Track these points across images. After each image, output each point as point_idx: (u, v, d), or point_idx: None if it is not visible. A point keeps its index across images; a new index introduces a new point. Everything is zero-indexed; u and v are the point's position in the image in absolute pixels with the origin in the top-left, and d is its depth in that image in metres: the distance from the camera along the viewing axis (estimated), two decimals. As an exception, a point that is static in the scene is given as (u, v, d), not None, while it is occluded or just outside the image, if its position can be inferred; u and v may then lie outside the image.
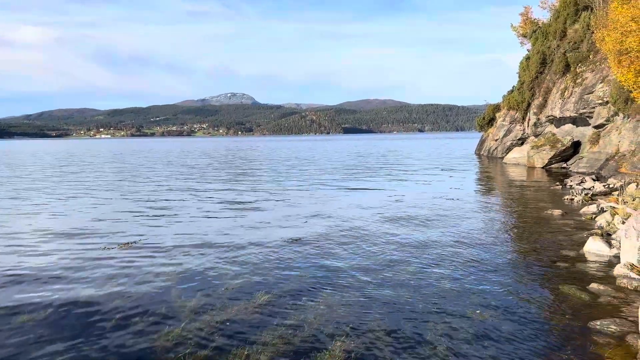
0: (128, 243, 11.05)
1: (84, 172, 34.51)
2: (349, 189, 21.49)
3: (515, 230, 12.15)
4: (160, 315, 6.59)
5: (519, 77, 43.58)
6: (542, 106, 36.44)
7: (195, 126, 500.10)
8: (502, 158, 40.65)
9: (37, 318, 6.53)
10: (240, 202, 17.78)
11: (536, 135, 37.42)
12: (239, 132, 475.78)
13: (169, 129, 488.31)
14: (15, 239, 11.75)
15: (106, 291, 7.66)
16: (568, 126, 32.41)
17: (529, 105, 39.58)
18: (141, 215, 14.87)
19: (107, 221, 14.03)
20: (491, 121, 49.47)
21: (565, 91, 31.78)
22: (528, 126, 39.46)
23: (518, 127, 42.00)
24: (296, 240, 11.13)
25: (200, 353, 5.45)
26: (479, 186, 22.96)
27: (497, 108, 48.51)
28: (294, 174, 29.71)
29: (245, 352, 5.41)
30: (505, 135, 44.09)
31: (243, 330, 6.04)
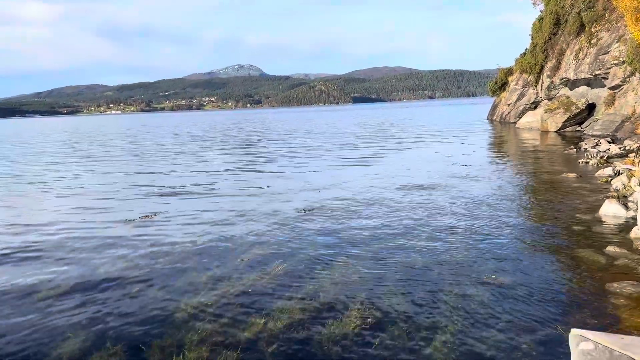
0: (148, 215, 11.28)
1: (99, 148, 34.73)
2: (359, 158, 21.39)
3: (530, 195, 12.03)
4: (179, 286, 6.68)
5: (532, 39, 42.47)
6: (556, 68, 35.60)
7: (204, 99, 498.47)
8: (515, 123, 40.08)
9: (56, 292, 6.64)
10: (253, 175, 17.81)
11: (550, 99, 36.70)
12: (248, 105, 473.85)
13: (178, 103, 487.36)
14: (33, 213, 11.91)
15: (125, 264, 7.77)
16: (582, 88, 31.71)
17: (542, 68, 38.69)
18: (158, 189, 15.00)
19: (126, 194, 14.20)
20: (503, 85, 48.56)
21: (579, 52, 30.95)
22: (541, 89, 38.68)
23: (531, 90, 41.21)
24: (309, 210, 11.15)
25: (219, 322, 5.53)
26: (491, 152, 22.72)
27: (509, 72, 47.50)
28: (304, 146, 29.62)
29: (262, 321, 5.48)
30: (518, 100, 43.33)
31: (259, 300, 6.11)
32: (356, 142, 29.88)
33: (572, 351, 3.19)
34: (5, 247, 9.07)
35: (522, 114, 40.93)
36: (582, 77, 30.21)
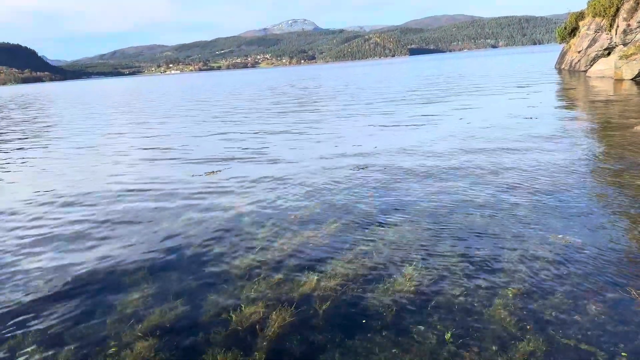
0: (213, 172, 11.56)
1: (169, 106, 35.77)
2: (417, 114, 20.75)
3: (599, 151, 11.22)
4: (234, 244, 6.80)
5: (608, -23, 38.77)
6: (634, 10, 32.42)
7: (258, 57, 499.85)
8: (586, 71, 37.32)
9: (122, 246, 6.93)
10: (305, 133, 17.73)
11: (625, 44, 33.68)
12: (302, 61, 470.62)
13: (234, 61, 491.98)
14: (101, 170, 12.48)
15: (184, 221, 8.00)
16: (665, 31, 28.82)
17: (617, 10, 35.36)
18: (223, 146, 15.29)
19: (194, 150, 14.64)
20: (574, 31, 45.04)
21: (664, -10, 27.95)
22: (616, 34, 35.52)
23: (604, 35, 37.98)
24: (363, 168, 10.97)
25: (273, 278, 5.58)
26: (558, 103, 21.33)
27: (580, 16, 43.88)
28: (359, 102, 29.10)
29: (316, 278, 5.48)
30: (589, 46, 40.15)
31: (313, 258, 6.11)
32: (413, 98, 28.99)
33: None
34: (77, 194, 9.57)
35: (593, 61, 37.98)
36: (666, 18, 27.38)
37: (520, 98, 23.52)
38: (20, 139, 21.85)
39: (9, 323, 4.93)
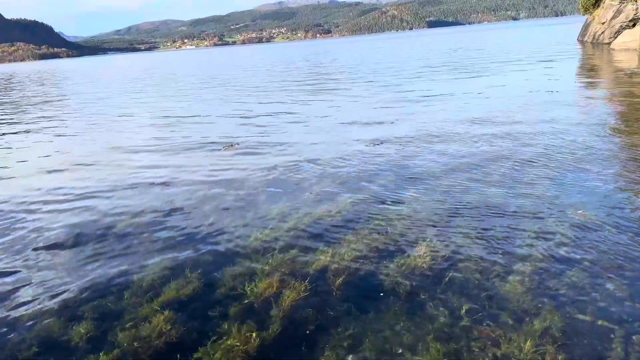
0: (232, 145, 11.71)
1: (184, 82, 35.82)
2: (435, 89, 20.42)
3: (621, 124, 10.93)
4: (250, 218, 6.83)
5: (637, -56, 37.15)
6: (664, -22, 31.19)
7: (273, 31, 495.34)
8: (609, 43, 36.20)
9: (133, 220, 7.01)
10: (321, 108, 17.61)
11: (653, 14, 32.50)
12: (317, 35, 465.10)
13: (248, 36, 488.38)
14: (119, 144, 12.60)
15: (201, 192, 8.08)
16: (695, 0, 27.70)
17: (646, -22, 34.05)
18: (241, 121, 15.29)
19: (213, 124, 14.69)
20: (597, 2, 43.50)
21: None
22: (644, 4, 34.27)
23: (630, 6, 36.63)
24: (379, 143, 10.87)
25: (288, 253, 5.61)
26: (581, 76, 20.79)
27: (605, -15, 42.34)
28: (375, 77, 28.73)
29: (330, 252, 5.49)
30: (613, 17, 38.81)
31: (327, 233, 6.11)
32: (430, 72, 28.50)
33: None
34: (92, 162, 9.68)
35: (618, 33, 36.77)
36: (696, -14, 26.28)
37: (541, 71, 22.97)
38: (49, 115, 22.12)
39: (25, 293, 5.05)
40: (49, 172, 10.54)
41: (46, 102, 28.47)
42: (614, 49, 33.08)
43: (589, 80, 19.34)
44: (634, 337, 3.81)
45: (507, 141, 10.02)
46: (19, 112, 24.22)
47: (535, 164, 8.28)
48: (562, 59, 29.13)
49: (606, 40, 38.51)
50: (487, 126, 11.64)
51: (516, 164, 8.41)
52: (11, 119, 21.26)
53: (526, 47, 43.79)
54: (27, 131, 17.00)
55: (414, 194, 7.31)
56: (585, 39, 44.59)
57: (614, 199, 6.46)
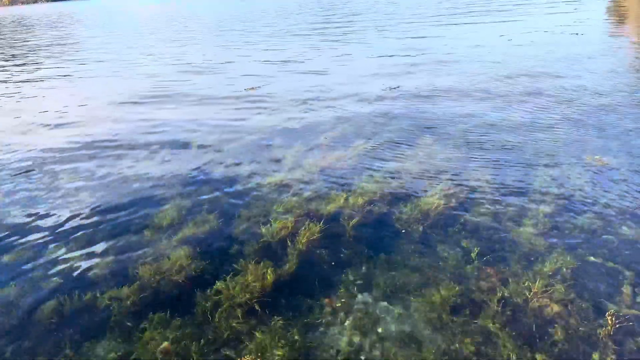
0: (252, 87, 11.75)
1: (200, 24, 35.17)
2: (451, 30, 19.76)
3: (650, 68, 10.55)
4: (265, 161, 6.89)
5: None
6: None
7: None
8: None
9: (149, 164, 7.12)
10: (332, 54, 17.24)
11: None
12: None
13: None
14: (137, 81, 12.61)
15: (218, 135, 8.15)
16: None
17: None
18: (266, 63, 15.14)
19: (237, 65, 14.65)
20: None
21: None
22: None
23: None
24: (394, 88, 10.69)
25: (302, 195, 5.69)
26: (608, 18, 19.89)
27: None
28: (390, 19, 27.83)
29: (344, 196, 5.55)
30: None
31: (341, 177, 6.15)
32: (445, 14, 27.48)
33: None
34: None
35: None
36: None
37: (567, 12, 22.02)
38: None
39: (49, 233, 5.25)
40: (69, 123, 10.64)
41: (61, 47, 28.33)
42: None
43: (617, 22, 18.51)
44: (643, 278, 3.86)
45: (527, 84, 9.76)
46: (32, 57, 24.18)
47: (555, 109, 8.10)
48: None
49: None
50: (508, 69, 11.31)
51: (536, 107, 8.25)
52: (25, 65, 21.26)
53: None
54: (43, 79, 17.03)
55: (430, 138, 7.25)
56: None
57: (632, 145, 6.35)
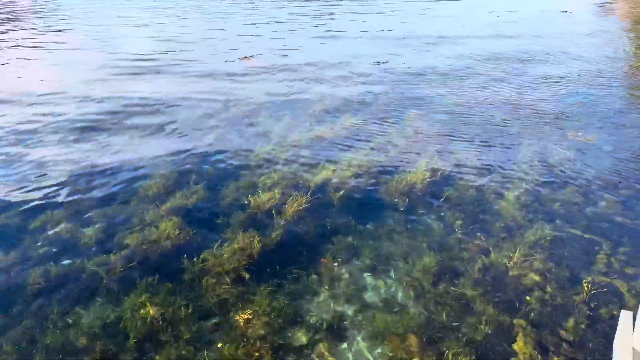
0: (246, 57, 11.56)
1: None
2: (439, 5, 19.63)
3: (635, 47, 10.65)
4: (252, 134, 6.88)
5: None
6: None
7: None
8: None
9: (140, 132, 7.05)
10: (330, 27, 17.05)
11: None
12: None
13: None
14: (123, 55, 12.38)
15: (205, 109, 8.05)
16: None
17: None
18: (257, 34, 14.89)
19: (228, 35, 14.51)
20: None
21: None
22: None
23: None
24: (383, 62, 10.67)
25: (290, 167, 5.73)
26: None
27: None
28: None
29: (332, 169, 5.60)
30: None
31: (329, 150, 6.19)
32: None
33: None
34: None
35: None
36: None
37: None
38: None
39: (39, 202, 5.23)
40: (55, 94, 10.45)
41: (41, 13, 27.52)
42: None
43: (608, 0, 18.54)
44: (620, 249, 4.00)
45: (514, 62, 9.83)
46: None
47: (542, 86, 8.19)
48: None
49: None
50: (496, 45, 11.33)
51: (523, 84, 8.34)
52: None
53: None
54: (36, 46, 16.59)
55: (417, 113, 7.30)
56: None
57: (617, 123, 6.48)
